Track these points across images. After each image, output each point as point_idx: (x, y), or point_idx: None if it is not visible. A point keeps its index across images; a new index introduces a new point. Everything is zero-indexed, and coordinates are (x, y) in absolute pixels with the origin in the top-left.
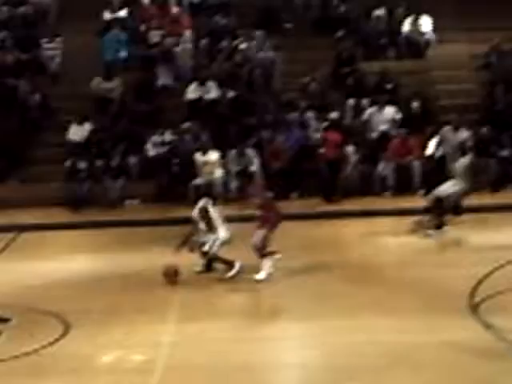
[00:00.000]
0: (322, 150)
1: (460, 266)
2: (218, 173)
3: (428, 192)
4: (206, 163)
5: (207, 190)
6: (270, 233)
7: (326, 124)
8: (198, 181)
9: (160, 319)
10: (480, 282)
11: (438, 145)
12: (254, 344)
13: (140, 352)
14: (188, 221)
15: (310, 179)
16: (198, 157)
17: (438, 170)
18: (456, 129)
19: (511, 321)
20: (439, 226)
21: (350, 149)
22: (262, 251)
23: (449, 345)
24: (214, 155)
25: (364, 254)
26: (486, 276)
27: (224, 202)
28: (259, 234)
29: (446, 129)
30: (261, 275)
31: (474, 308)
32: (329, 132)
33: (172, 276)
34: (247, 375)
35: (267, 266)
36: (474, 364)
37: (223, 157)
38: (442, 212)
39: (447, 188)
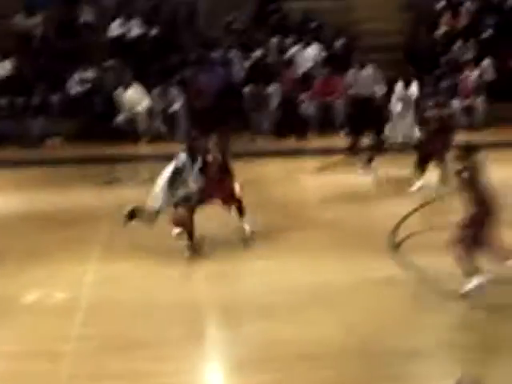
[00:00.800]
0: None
1: (383, 205)
2: (141, 108)
3: (351, 131)
4: (128, 99)
5: (131, 127)
6: None
7: (249, 63)
8: (121, 117)
9: (82, 258)
10: (402, 221)
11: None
12: (176, 283)
13: (63, 291)
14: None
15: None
16: (121, 93)
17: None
18: (362, 67)
19: (429, 258)
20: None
21: (274, 87)
22: None
23: (365, 283)
24: (136, 91)
25: (286, 194)
26: (409, 215)
27: (148, 141)
28: None
29: (354, 70)
30: None
31: (395, 247)
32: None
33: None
34: (168, 313)
35: None
36: (389, 301)
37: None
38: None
39: None
